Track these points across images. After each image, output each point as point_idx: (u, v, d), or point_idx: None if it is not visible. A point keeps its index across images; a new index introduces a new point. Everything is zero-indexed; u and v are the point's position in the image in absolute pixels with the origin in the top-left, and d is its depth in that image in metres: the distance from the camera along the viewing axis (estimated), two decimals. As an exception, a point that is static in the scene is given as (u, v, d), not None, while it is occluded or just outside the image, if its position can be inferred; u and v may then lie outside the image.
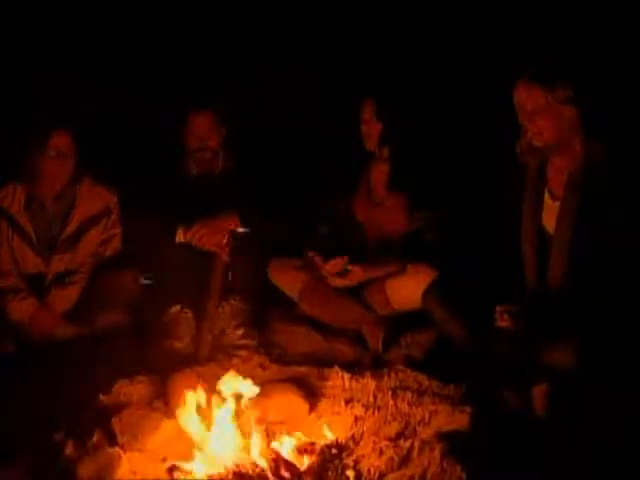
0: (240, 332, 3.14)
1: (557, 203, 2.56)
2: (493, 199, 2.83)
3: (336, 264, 3.08)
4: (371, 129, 3.12)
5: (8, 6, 3.66)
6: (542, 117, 2.47)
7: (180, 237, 3.20)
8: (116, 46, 3.79)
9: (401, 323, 3.03)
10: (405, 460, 2.16)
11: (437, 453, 2.10)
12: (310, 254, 3.15)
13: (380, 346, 2.99)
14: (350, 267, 3.07)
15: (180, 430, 2.38)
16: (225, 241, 3.17)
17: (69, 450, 2.32)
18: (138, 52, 3.82)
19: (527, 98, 2.49)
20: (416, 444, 2.18)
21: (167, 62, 3.84)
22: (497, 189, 2.80)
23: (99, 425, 2.43)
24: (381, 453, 2.20)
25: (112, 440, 2.38)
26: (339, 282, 3.11)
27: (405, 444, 2.20)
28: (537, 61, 2.57)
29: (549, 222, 2.59)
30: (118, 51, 3.79)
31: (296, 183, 3.46)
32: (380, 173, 3.20)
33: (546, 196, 2.62)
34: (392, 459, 2.16)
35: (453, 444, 2.13)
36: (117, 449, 2.32)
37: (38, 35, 3.72)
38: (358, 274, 3.08)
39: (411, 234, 3.14)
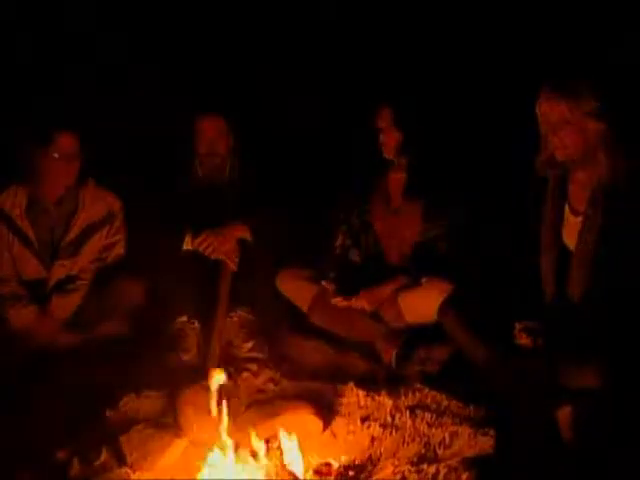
0: (249, 345, 3.06)
1: (579, 218, 2.50)
2: (512, 211, 2.76)
3: (344, 301, 3.06)
4: (389, 138, 3.06)
5: (8, 6, 3.57)
6: (566, 130, 2.40)
7: (188, 245, 3.12)
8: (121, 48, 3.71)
9: (415, 337, 2.96)
10: (430, 486, 2.09)
11: (464, 481, 2.04)
12: (324, 283, 3.11)
13: (393, 361, 2.92)
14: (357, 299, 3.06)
15: (190, 449, 2.31)
16: (234, 250, 3.09)
17: (75, 470, 2.24)
18: (145, 55, 3.73)
19: (551, 110, 2.41)
20: (441, 470, 2.11)
21: (172, 64, 3.75)
22: (516, 202, 2.73)
23: (106, 443, 2.34)
24: (403, 478, 2.13)
25: (120, 459, 2.30)
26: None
27: (429, 469, 2.12)
28: (561, 71, 2.49)
29: (570, 237, 2.53)
30: (122, 52, 3.71)
31: (307, 191, 3.38)
32: (397, 181, 3.14)
33: (567, 211, 2.55)
34: (416, 485, 2.09)
35: (480, 471, 2.06)
36: (126, 469, 2.24)
37: (39, 35, 3.64)
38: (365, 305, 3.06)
39: (423, 244, 3.09)
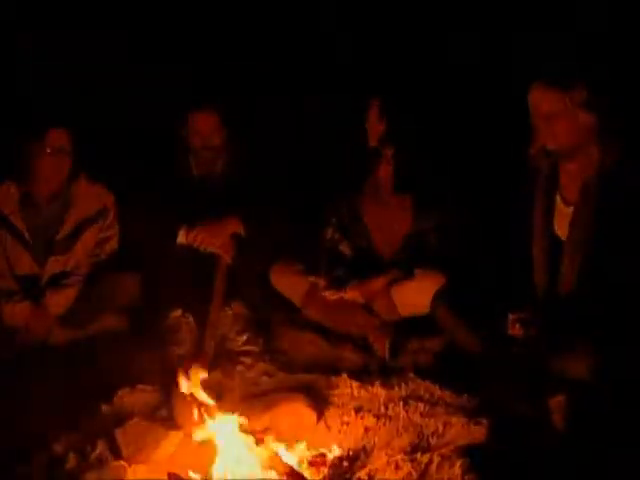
0: (244, 338, 3.06)
1: (570, 208, 2.52)
2: (503, 203, 2.77)
3: (336, 294, 3.08)
4: (377, 130, 3.08)
5: (8, 6, 3.58)
6: (558, 121, 2.41)
7: (182, 239, 3.12)
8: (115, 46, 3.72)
9: (408, 329, 2.99)
10: (423, 475, 2.10)
11: (458, 469, 2.06)
12: (313, 279, 3.14)
13: (387, 353, 2.94)
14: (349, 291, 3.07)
15: (186, 442, 2.31)
16: (228, 244, 3.09)
17: (71, 463, 2.25)
18: (138, 50, 3.75)
19: (543, 100, 2.43)
20: (435, 459, 2.12)
21: (167, 60, 3.76)
22: (507, 192, 2.74)
23: (101, 436, 2.34)
24: (397, 467, 2.14)
25: (116, 452, 2.30)
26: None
27: (422, 458, 2.14)
28: (554, 63, 2.51)
29: (561, 227, 2.54)
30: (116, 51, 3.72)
31: (300, 183, 3.39)
32: (386, 173, 3.14)
33: (558, 201, 2.57)
34: (410, 474, 2.10)
35: (473, 460, 2.08)
36: (122, 462, 2.24)
37: (38, 35, 3.64)
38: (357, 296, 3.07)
39: (414, 236, 3.10)
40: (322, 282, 3.09)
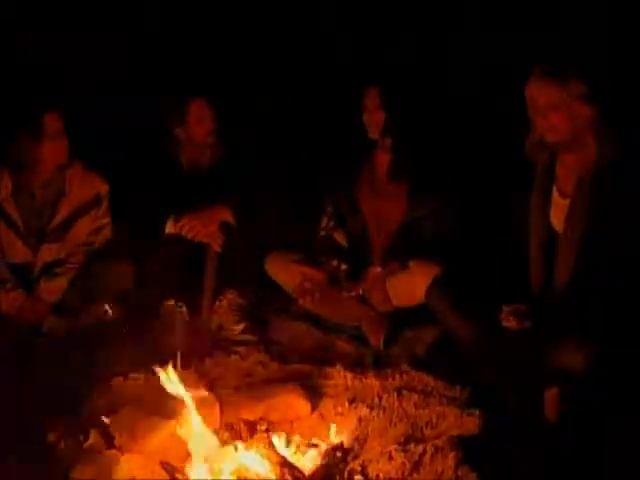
0: (241, 327, 3.06)
1: (566, 201, 2.51)
2: (499, 194, 2.77)
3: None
4: (374, 118, 3.06)
5: (8, 6, 3.60)
6: (555, 113, 2.40)
7: (170, 228, 3.10)
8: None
9: (402, 319, 2.98)
10: (416, 466, 2.09)
11: (451, 460, 2.06)
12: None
13: (381, 343, 2.94)
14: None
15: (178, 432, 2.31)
16: (216, 232, 3.08)
17: (64, 452, 2.24)
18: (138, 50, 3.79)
19: (540, 93, 2.42)
20: (428, 450, 2.12)
21: (167, 60, 3.78)
22: (504, 184, 2.74)
23: (94, 425, 2.33)
24: (390, 458, 2.13)
25: (109, 441, 2.29)
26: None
27: (416, 449, 2.13)
28: (551, 55, 2.50)
29: (557, 220, 2.54)
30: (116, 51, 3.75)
31: (293, 171, 3.39)
32: (383, 162, 3.13)
33: (555, 194, 2.56)
34: (403, 464, 2.09)
35: (467, 451, 2.08)
36: (115, 451, 2.23)
37: (38, 35, 3.67)
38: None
39: (409, 224, 3.10)
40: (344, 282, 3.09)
